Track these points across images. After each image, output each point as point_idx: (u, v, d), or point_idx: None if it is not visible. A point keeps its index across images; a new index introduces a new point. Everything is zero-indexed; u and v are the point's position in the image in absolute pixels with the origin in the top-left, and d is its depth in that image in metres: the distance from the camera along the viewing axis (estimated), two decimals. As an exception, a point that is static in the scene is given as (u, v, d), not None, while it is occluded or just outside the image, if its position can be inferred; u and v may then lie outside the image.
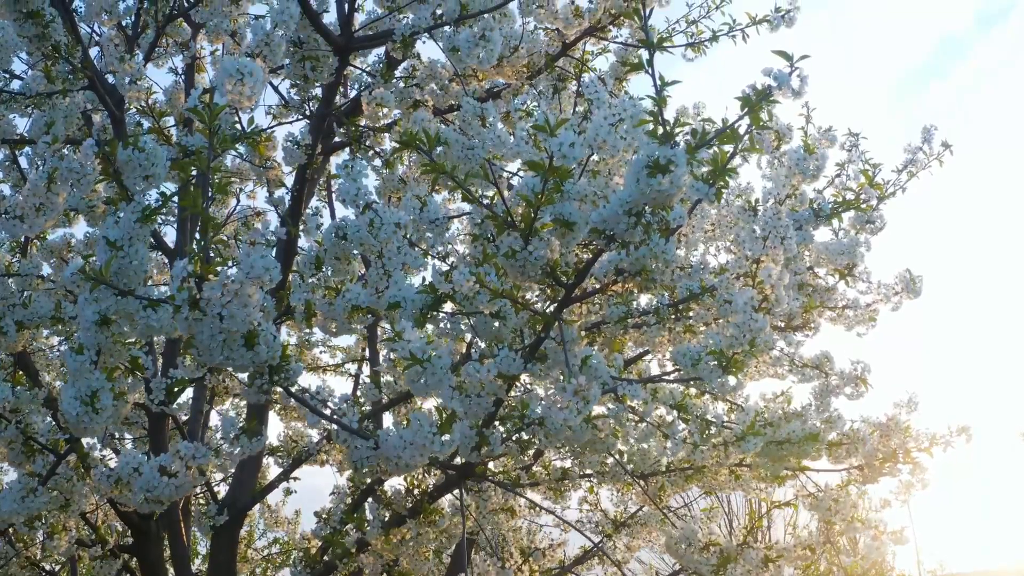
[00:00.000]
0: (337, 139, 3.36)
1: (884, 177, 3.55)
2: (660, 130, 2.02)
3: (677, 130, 2.05)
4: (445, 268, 2.19)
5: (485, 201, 2.45)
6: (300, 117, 3.38)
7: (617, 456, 2.89)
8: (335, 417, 2.19)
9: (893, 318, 3.85)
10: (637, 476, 3.22)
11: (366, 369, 4.22)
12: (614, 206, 2.01)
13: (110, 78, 3.25)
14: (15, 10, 2.69)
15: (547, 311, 2.19)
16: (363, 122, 3.34)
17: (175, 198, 2.96)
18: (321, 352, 5.06)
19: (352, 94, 3.42)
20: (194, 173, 2.72)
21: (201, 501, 4.01)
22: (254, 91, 2.33)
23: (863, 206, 3.05)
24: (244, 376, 2.06)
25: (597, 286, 2.27)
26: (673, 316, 2.82)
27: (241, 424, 2.24)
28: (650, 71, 2.04)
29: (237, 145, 2.39)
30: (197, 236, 2.04)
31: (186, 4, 3.28)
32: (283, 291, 2.86)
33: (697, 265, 2.65)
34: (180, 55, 3.75)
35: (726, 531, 8.50)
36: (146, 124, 3.30)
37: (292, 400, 2.13)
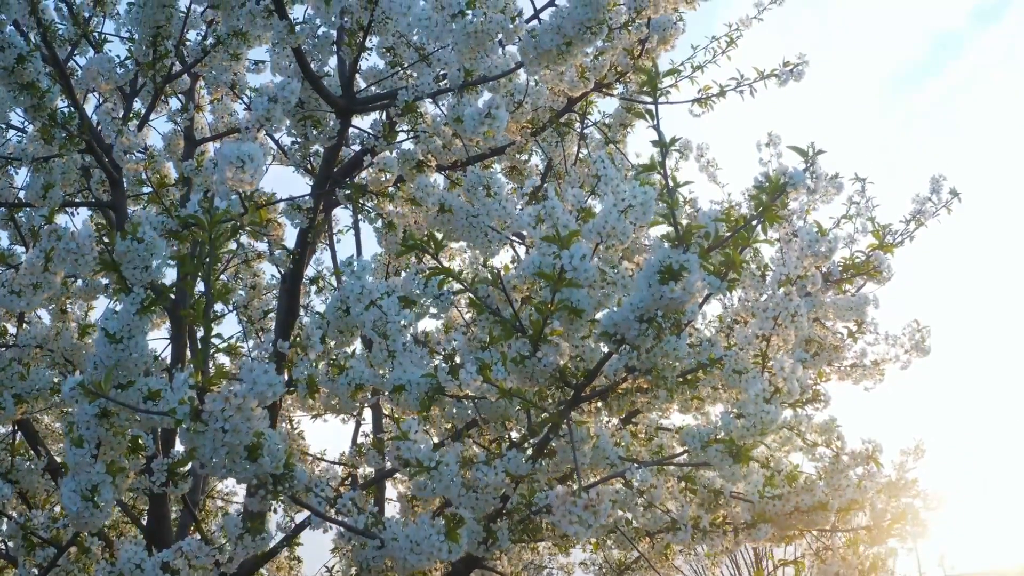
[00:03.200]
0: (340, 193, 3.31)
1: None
2: (672, 231, 1.98)
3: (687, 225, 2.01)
4: (447, 367, 2.14)
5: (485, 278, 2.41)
6: (300, 169, 3.32)
7: (623, 526, 2.86)
8: (340, 518, 2.15)
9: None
10: (643, 534, 3.19)
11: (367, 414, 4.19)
12: (625, 311, 1.97)
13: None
14: (10, 82, 2.64)
15: (556, 410, 2.15)
16: (363, 174, 3.29)
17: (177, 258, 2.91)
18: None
19: (354, 147, 3.36)
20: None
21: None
22: (255, 176, 2.28)
23: (874, 270, 3.00)
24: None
25: (607, 383, 2.22)
26: (681, 384, 2.79)
27: (244, 526, 2.20)
28: (661, 172, 2.00)
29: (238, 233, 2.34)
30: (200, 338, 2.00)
31: (185, 63, 3.23)
32: (284, 363, 2.83)
33: (704, 342, 2.61)
34: (178, 101, 3.70)
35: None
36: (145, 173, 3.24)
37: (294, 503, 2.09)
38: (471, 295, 2.21)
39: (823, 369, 3.30)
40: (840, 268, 2.99)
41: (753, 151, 3.84)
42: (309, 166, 3.29)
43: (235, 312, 4.21)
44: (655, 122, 2.02)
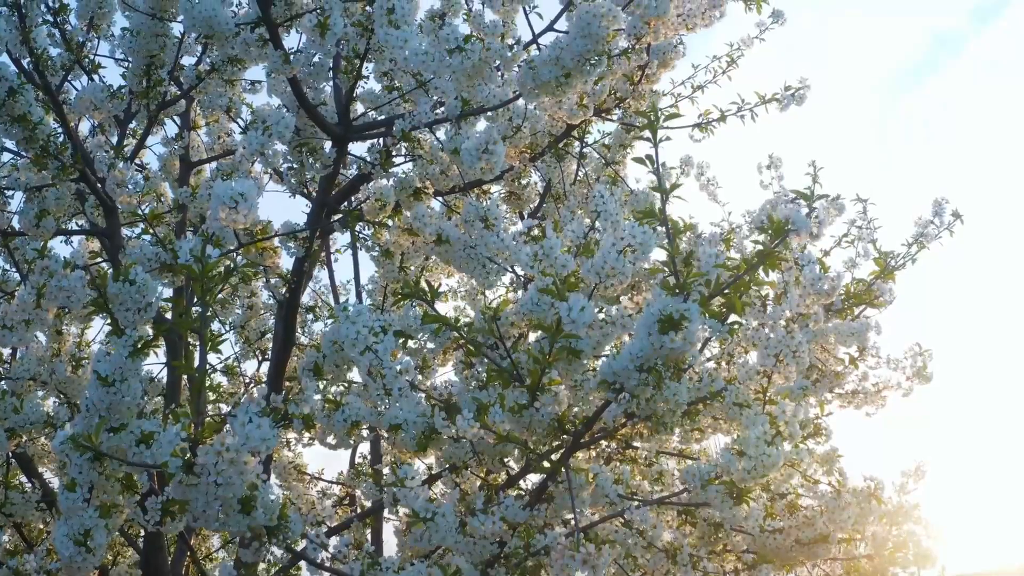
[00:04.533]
0: (336, 218, 3.27)
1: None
2: (672, 278, 1.95)
3: (690, 276, 1.98)
4: (443, 414, 2.11)
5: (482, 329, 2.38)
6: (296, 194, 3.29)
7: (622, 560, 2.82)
8: (336, 567, 2.12)
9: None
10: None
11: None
12: (624, 360, 1.94)
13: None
14: (1, 114, 2.61)
15: (555, 456, 2.12)
16: (360, 196, 3.25)
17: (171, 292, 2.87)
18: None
19: (351, 170, 3.32)
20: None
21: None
22: (248, 215, 2.25)
23: (876, 300, 2.97)
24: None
25: (605, 429, 2.19)
26: (681, 418, 2.76)
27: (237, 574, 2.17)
28: (663, 217, 1.97)
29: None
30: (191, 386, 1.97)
31: (180, 86, 3.19)
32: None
33: (704, 375, 2.58)
34: (174, 123, 3.66)
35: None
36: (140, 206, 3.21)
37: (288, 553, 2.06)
38: (469, 345, 2.18)
39: (824, 397, 3.27)
40: (842, 298, 2.96)
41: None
42: (306, 190, 3.25)
43: (232, 332, 4.18)
44: (655, 167, 1.98)
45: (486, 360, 2.24)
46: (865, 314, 3.37)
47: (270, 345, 4.13)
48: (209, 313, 2.31)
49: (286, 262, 3.38)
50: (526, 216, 3.83)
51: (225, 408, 4.43)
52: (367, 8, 2.93)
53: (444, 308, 7.97)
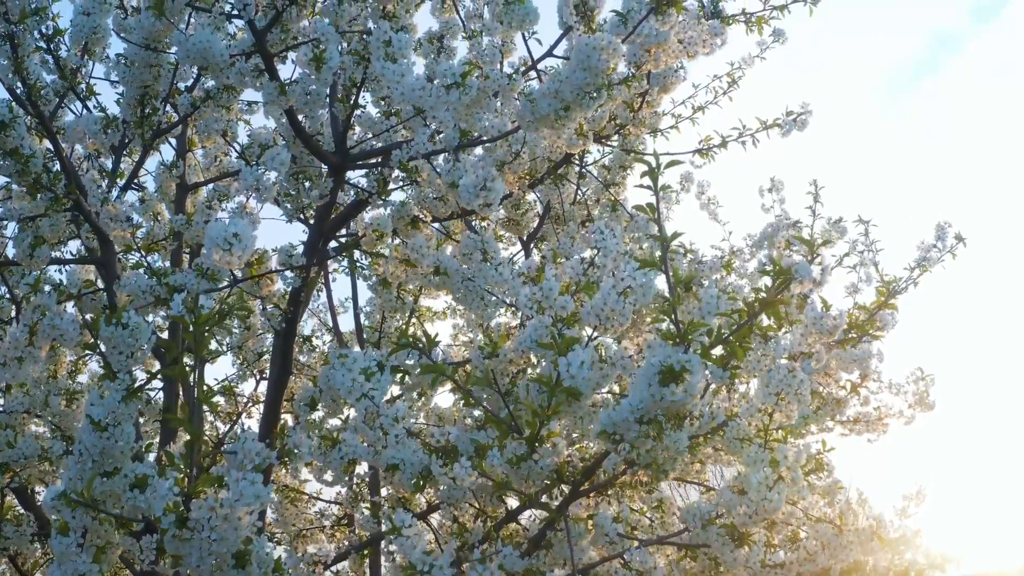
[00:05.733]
0: (333, 245, 3.24)
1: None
2: (673, 328, 1.92)
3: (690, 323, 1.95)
4: (441, 461, 2.08)
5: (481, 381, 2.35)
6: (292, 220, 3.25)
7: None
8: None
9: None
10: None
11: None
12: (624, 412, 1.91)
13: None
14: (-6, 148, 2.57)
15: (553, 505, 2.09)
16: (357, 220, 3.22)
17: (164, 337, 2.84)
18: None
19: (349, 194, 3.29)
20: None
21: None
22: (243, 256, 2.22)
23: (877, 332, 2.94)
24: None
25: (605, 477, 2.17)
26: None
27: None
28: (664, 268, 1.94)
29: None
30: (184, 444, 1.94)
31: (176, 108, 3.15)
32: (276, 432, 2.76)
33: (706, 413, 2.55)
34: (170, 146, 3.63)
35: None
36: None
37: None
38: (467, 396, 2.15)
39: (826, 424, 3.24)
40: (844, 329, 2.92)
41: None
42: (303, 216, 3.22)
43: (230, 352, 4.15)
44: (656, 215, 1.95)
45: (485, 414, 2.21)
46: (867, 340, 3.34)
47: (267, 367, 4.11)
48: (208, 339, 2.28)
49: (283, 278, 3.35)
50: (526, 239, 3.80)
51: (222, 427, 4.41)
52: (364, 36, 2.90)
53: (443, 325, 7.91)
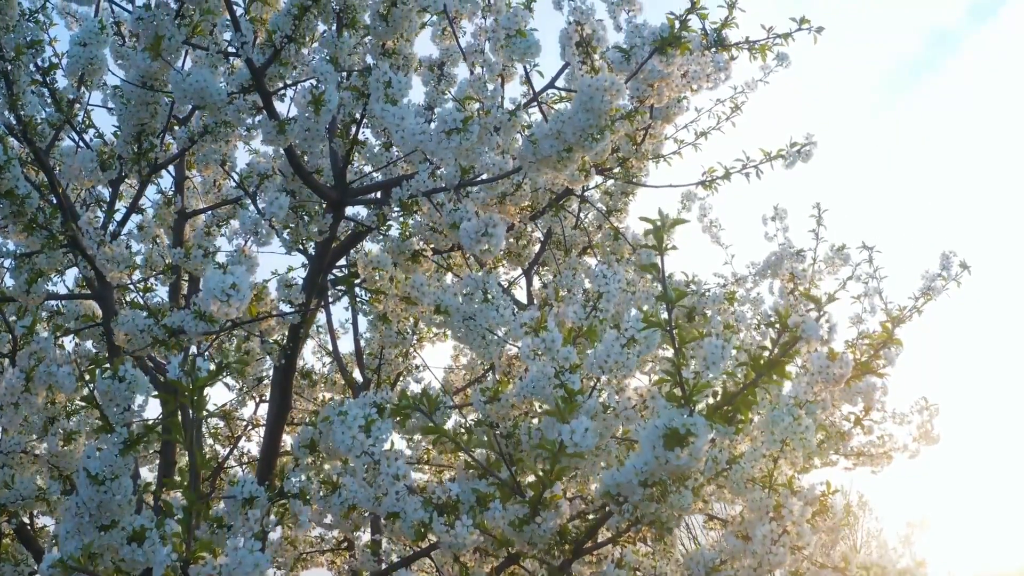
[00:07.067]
0: (332, 278, 3.21)
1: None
2: (678, 390, 1.89)
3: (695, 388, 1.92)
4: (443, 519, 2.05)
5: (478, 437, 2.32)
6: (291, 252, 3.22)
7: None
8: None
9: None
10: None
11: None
12: (627, 473, 1.88)
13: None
14: (-12, 190, 2.54)
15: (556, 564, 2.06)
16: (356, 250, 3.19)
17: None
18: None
19: (349, 226, 3.26)
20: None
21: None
22: (241, 306, 2.19)
23: (880, 370, 2.91)
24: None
25: (608, 536, 2.14)
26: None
27: None
28: (668, 328, 1.90)
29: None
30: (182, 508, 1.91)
31: (174, 136, 3.12)
32: (274, 473, 2.74)
33: (709, 461, 2.52)
34: (168, 175, 3.60)
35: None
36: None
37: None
38: (467, 458, 2.12)
39: (831, 458, 3.21)
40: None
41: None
42: (302, 247, 3.19)
43: (229, 375, 4.12)
44: (660, 274, 1.92)
45: (487, 478, 2.18)
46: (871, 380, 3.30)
47: (266, 391, 4.08)
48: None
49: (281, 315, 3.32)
50: (527, 267, 3.77)
51: (222, 451, 4.39)
52: (364, 73, 2.86)
53: (443, 346, 7.84)
